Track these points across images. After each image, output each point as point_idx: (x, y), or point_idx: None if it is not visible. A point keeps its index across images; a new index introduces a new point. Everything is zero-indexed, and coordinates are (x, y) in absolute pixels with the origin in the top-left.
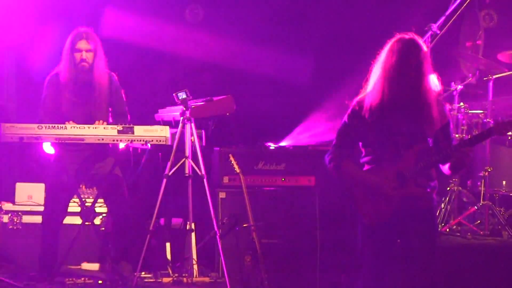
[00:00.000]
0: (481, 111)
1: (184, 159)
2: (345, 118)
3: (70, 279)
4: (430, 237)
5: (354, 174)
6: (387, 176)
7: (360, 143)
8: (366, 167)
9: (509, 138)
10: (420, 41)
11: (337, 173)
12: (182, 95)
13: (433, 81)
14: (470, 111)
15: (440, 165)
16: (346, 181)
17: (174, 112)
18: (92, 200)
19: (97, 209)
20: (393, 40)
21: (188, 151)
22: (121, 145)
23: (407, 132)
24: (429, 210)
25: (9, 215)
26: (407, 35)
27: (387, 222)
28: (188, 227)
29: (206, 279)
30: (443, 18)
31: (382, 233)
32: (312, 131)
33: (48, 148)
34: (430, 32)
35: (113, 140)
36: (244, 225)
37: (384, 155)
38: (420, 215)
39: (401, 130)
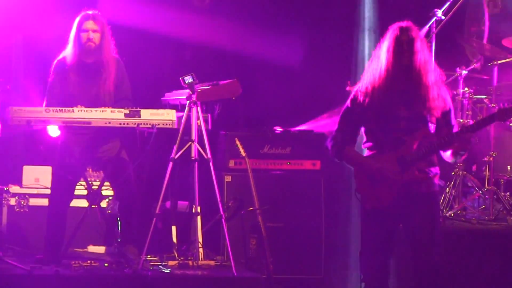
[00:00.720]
0: (486, 96)
1: (190, 142)
2: (348, 103)
3: (76, 262)
4: (433, 221)
5: (355, 160)
6: (389, 162)
7: (363, 129)
8: (368, 153)
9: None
10: (414, 26)
11: (338, 159)
12: (188, 79)
13: (429, 63)
14: (474, 96)
15: (441, 152)
16: (348, 165)
17: (180, 95)
18: (98, 183)
19: (104, 192)
20: (390, 28)
21: (194, 135)
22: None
23: (408, 116)
24: (431, 195)
25: (16, 198)
26: (404, 23)
27: (389, 207)
28: (194, 210)
29: (212, 263)
30: (447, 3)
31: (383, 217)
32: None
33: (52, 131)
34: (434, 18)
35: (120, 124)
36: (250, 209)
37: (385, 140)
38: (422, 200)
39: (402, 114)
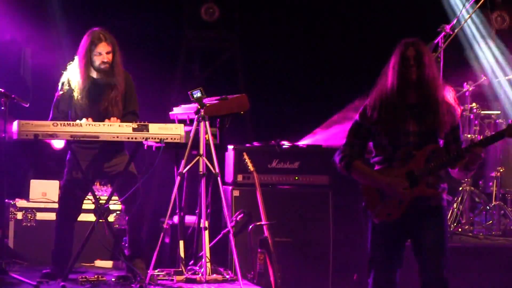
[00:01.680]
0: (494, 112)
1: (198, 157)
2: (357, 116)
3: (84, 276)
4: (441, 236)
5: (365, 174)
6: (398, 176)
7: (371, 143)
8: (376, 167)
9: None
10: (421, 41)
11: (347, 172)
12: (197, 94)
13: (438, 78)
14: (482, 112)
15: (450, 168)
16: (357, 180)
17: (188, 110)
18: (106, 197)
19: (111, 207)
20: (398, 43)
21: (202, 149)
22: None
23: (417, 131)
24: (440, 209)
25: (23, 212)
26: (411, 38)
27: (398, 221)
28: (201, 225)
29: (219, 277)
30: (455, 19)
31: (392, 232)
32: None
33: (57, 143)
34: (443, 33)
35: (128, 138)
36: (258, 223)
37: (394, 155)
38: (431, 214)
39: (411, 129)
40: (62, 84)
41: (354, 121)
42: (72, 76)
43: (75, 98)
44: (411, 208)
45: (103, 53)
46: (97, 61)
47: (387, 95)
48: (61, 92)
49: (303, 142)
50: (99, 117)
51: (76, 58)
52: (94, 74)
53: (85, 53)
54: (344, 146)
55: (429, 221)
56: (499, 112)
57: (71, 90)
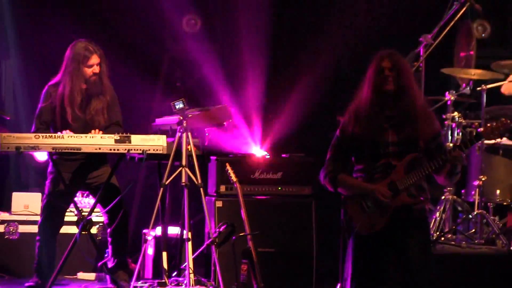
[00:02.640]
0: (475, 121)
1: (181, 168)
2: (337, 131)
3: None
4: (424, 246)
5: (350, 184)
6: (381, 186)
7: (353, 157)
8: (359, 180)
9: (503, 147)
10: (397, 53)
11: (333, 187)
12: (179, 104)
13: (415, 87)
14: (464, 121)
15: (435, 175)
16: (342, 192)
17: (171, 121)
18: (88, 209)
19: (94, 218)
20: (374, 55)
21: (185, 160)
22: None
23: (397, 141)
24: (422, 220)
25: (6, 224)
26: (386, 50)
27: (381, 232)
28: (184, 236)
29: None
30: (437, 28)
31: (375, 243)
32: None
33: (40, 156)
34: (424, 43)
35: (110, 149)
36: (241, 234)
37: (375, 166)
38: (413, 225)
39: (391, 139)
40: (46, 95)
41: (335, 136)
42: (59, 88)
43: (61, 109)
44: (394, 220)
45: (94, 65)
46: (88, 72)
47: (365, 107)
48: (44, 104)
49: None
50: (85, 127)
51: (64, 69)
52: (83, 85)
53: (76, 65)
54: (328, 161)
55: (412, 233)
56: (480, 120)
57: (56, 102)
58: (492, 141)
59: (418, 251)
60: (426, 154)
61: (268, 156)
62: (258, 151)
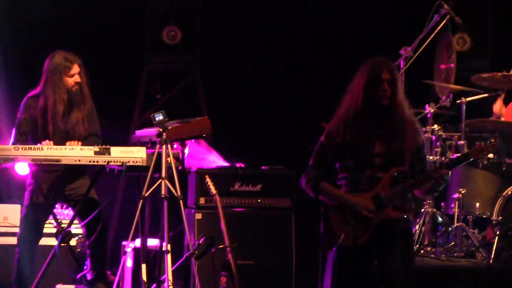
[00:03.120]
0: (455, 133)
1: (160, 180)
2: (322, 138)
3: None
4: (408, 260)
5: (332, 194)
6: (364, 199)
7: (337, 164)
8: (342, 189)
9: (483, 160)
10: (389, 61)
11: (314, 193)
12: (159, 116)
13: (404, 98)
14: (444, 133)
15: (414, 190)
16: (323, 202)
17: (151, 133)
18: (67, 221)
19: (73, 230)
20: (364, 63)
21: (164, 172)
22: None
23: (383, 153)
24: (406, 233)
25: None
26: (378, 57)
27: (364, 245)
28: (164, 248)
29: None
30: (417, 41)
31: (358, 255)
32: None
33: (20, 169)
34: (404, 55)
35: (90, 161)
36: (220, 246)
37: (360, 177)
38: (397, 238)
39: (377, 151)
40: (26, 107)
41: (319, 142)
42: (39, 100)
43: (43, 122)
44: (378, 232)
45: (75, 74)
46: (70, 82)
47: (354, 116)
48: (23, 115)
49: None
50: (66, 137)
51: (45, 81)
52: (65, 96)
53: (58, 76)
54: (310, 168)
55: (396, 246)
56: (460, 133)
57: (37, 114)
58: None
59: (399, 265)
60: (410, 167)
61: (244, 168)
62: (236, 163)
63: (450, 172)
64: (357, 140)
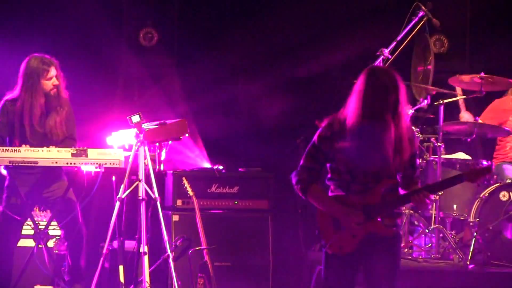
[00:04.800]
0: (432, 135)
1: (137, 182)
2: (315, 139)
3: None
4: (394, 263)
5: (321, 199)
6: (354, 207)
7: (328, 165)
8: (332, 188)
9: (459, 161)
10: (392, 69)
11: (304, 194)
12: (135, 118)
13: (404, 106)
14: (421, 136)
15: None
16: (301, 204)
17: (127, 135)
18: (45, 222)
19: (51, 232)
20: (366, 70)
21: (141, 174)
22: None
23: (378, 161)
24: (394, 240)
25: None
26: (380, 65)
27: (351, 254)
28: (141, 249)
29: None
30: (394, 43)
31: (345, 263)
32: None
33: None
34: (381, 57)
35: (67, 163)
36: (197, 248)
37: (351, 183)
38: (384, 246)
39: (372, 158)
40: (3, 110)
41: (312, 143)
42: (16, 104)
43: (20, 126)
44: (365, 241)
45: (53, 77)
46: (48, 86)
47: (350, 121)
48: (0, 119)
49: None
50: (43, 141)
51: (22, 86)
52: (42, 100)
53: (36, 80)
54: (301, 168)
55: (383, 254)
56: (437, 135)
57: (14, 118)
58: (449, 156)
59: (384, 269)
60: (403, 176)
61: (224, 170)
62: (214, 165)
63: (433, 197)
64: (352, 145)
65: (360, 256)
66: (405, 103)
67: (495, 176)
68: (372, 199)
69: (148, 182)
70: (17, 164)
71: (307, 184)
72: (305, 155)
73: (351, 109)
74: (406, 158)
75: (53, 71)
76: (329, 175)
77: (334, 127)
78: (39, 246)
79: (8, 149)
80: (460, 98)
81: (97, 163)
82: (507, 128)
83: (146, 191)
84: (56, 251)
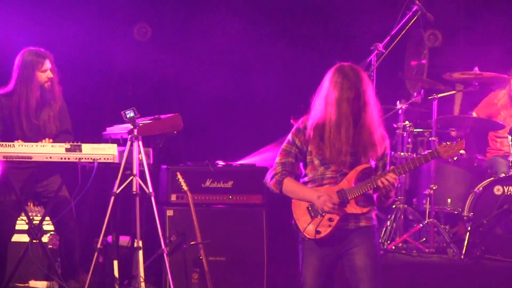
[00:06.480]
0: (426, 130)
1: (131, 177)
2: (289, 136)
3: None
4: (374, 256)
5: (295, 189)
6: (328, 193)
7: (301, 163)
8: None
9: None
10: (358, 67)
11: (278, 189)
12: (130, 113)
13: (375, 102)
14: (415, 130)
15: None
16: (288, 196)
17: (122, 130)
18: (39, 218)
19: (45, 227)
20: (334, 68)
21: (135, 169)
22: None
23: (351, 151)
24: (370, 229)
25: None
26: (348, 63)
27: (328, 239)
28: (135, 244)
29: None
30: (388, 37)
31: (322, 250)
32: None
33: None
34: (375, 51)
35: (61, 158)
36: (192, 243)
37: (325, 174)
38: (361, 235)
39: (346, 149)
40: None
41: (287, 141)
42: (12, 98)
43: (18, 120)
44: (341, 229)
45: (48, 70)
46: (43, 78)
47: (323, 116)
48: None
49: (249, 160)
50: (38, 134)
51: (17, 79)
52: (39, 93)
53: (31, 72)
54: (276, 164)
55: (360, 243)
56: (431, 129)
57: (10, 111)
58: None
59: (364, 260)
60: (376, 166)
61: (220, 165)
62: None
63: (396, 177)
64: (326, 139)
65: (338, 245)
66: (374, 99)
67: (488, 171)
68: (347, 184)
69: (142, 177)
70: (11, 159)
71: (282, 177)
72: (280, 152)
73: (321, 104)
74: (379, 153)
75: (47, 64)
76: (303, 173)
77: (308, 123)
78: (34, 241)
79: (2, 144)
80: (453, 92)
81: (91, 158)
82: (500, 122)
83: (140, 186)
84: (51, 246)
